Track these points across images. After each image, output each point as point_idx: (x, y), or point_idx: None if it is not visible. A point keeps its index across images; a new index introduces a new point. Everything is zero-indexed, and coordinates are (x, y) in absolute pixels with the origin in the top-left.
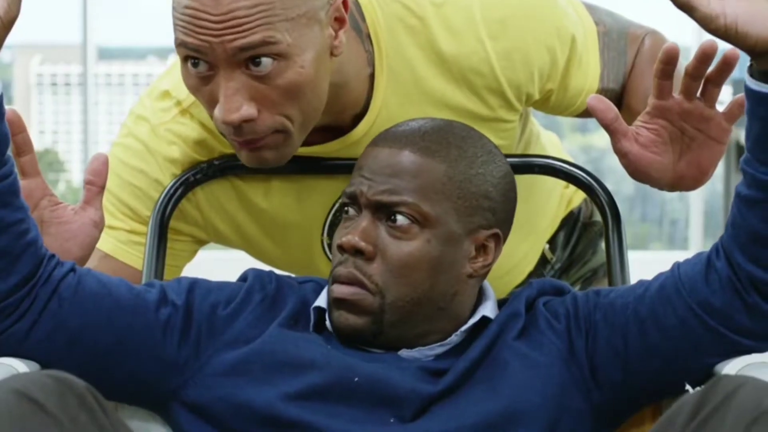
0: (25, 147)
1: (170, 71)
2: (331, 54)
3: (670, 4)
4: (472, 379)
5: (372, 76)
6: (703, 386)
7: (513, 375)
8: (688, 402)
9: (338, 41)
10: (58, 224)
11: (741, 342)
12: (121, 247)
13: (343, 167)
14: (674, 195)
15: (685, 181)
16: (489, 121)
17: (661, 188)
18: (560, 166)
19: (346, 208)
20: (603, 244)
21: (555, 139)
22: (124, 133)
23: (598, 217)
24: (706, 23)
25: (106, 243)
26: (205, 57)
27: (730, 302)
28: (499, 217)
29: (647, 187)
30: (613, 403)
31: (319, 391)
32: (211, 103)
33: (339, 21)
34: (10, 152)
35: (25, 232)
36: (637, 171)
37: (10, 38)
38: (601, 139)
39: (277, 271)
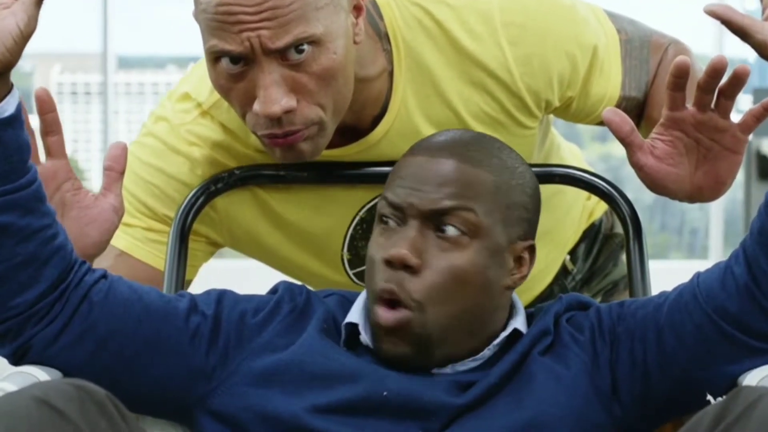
0: (53, 127)
1: (190, 75)
2: (354, 42)
3: (690, 13)
4: (499, 392)
5: (391, 75)
6: (724, 397)
7: (539, 388)
8: (708, 412)
9: (358, 28)
10: (79, 208)
11: (757, 346)
12: (137, 244)
13: (366, 176)
14: (694, 204)
15: (704, 192)
16: (507, 126)
17: (681, 200)
18: (580, 175)
19: (385, 219)
20: (624, 256)
21: (576, 150)
22: (144, 133)
23: (619, 229)
24: (761, 50)
25: (122, 240)
26: (242, 53)
27: (747, 308)
28: (532, 228)
29: None
30: (635, 418)
31: (348, 405)
32: (245, 101)
33: (357, 9)
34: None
35: (52, 238)
36: (654, 184)
37: (31, 47)
38: (620, 148)
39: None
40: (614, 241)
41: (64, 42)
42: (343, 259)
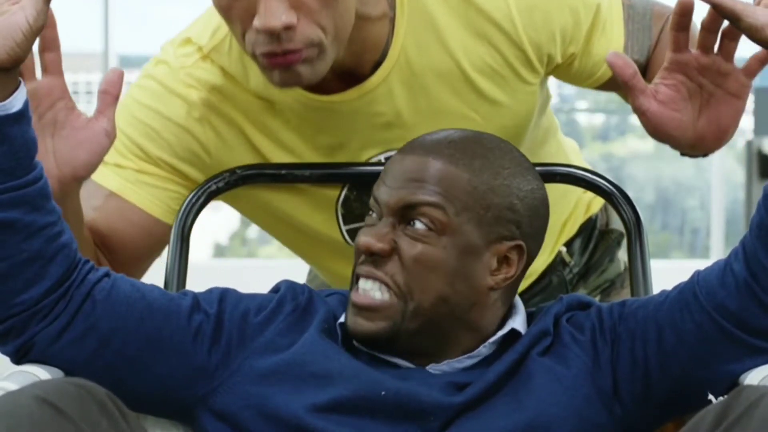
0: (51, 44)
1: (194, 23)
2: None
3: (694, 13)
4: (497, 392)
5: (393, 21)
6: (725, 396)
7: (538, 388)
8: (710, 411)
9: None
10: (71, 128)
11: (757, 345)
12: (128, 186)
13: (365, 174)
14: (695, 203)
15: (706, 140)
16: (508, 80)
17: (683, 149)
18: (582, 174)
19: (371, 211)
20: (620, 253)
21: (575, 146)
22: (143, 75)
23: (614, 225)
24: (752, 33)
25: (113, 181)
26: None
27: (746, 305)
28: (524, 230)
29: (668, 195)
30: (636, 417)
31: (346, 404)
32: (245, 17)
33: None
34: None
35: (57, 236)
36: (656, 129)
37: (32, 47)
38: (621, 147)
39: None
40: (610, 237)
41: (65, 41)
42: (337, 213)
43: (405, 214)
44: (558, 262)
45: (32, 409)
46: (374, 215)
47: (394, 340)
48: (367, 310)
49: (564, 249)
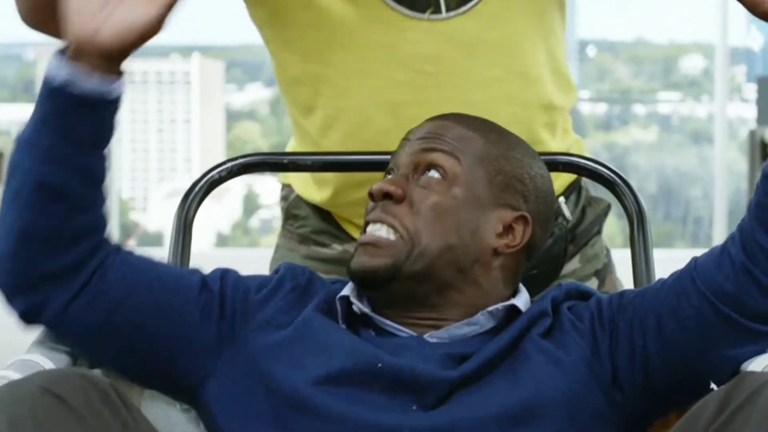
0: None
1: None
2: None
3: (695, 1)
4: (495, 369)
5: None
6: (728, 384)
7: (536, 368)
8: (712, 399)
9: None
10: None
11: (756, 328)
12: None
13: (366, 164)
14: (698, 193)
15: None
16: None
17: None
18: (584, 163)
19: (387, 173)
20: (604, 233)
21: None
22: None
23: (595, 193)
24: (752, 8)
25: None
26: None
27: (744, 287)
28: (530, 206)
29: (671, 185)
30: (637, 406)
31: (343, 377)
32: None
33: None
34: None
35: (101, 216)
36: None
37: (35, 36)
38: (624, 136)
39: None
40: (599, 206)
41: None
42: None
43: (420, 163)
44: (558, 213)
45: (35, 399)
46: (391, 174)
47: (393, 281)
48: (372, 245)
49: (563, 199)
